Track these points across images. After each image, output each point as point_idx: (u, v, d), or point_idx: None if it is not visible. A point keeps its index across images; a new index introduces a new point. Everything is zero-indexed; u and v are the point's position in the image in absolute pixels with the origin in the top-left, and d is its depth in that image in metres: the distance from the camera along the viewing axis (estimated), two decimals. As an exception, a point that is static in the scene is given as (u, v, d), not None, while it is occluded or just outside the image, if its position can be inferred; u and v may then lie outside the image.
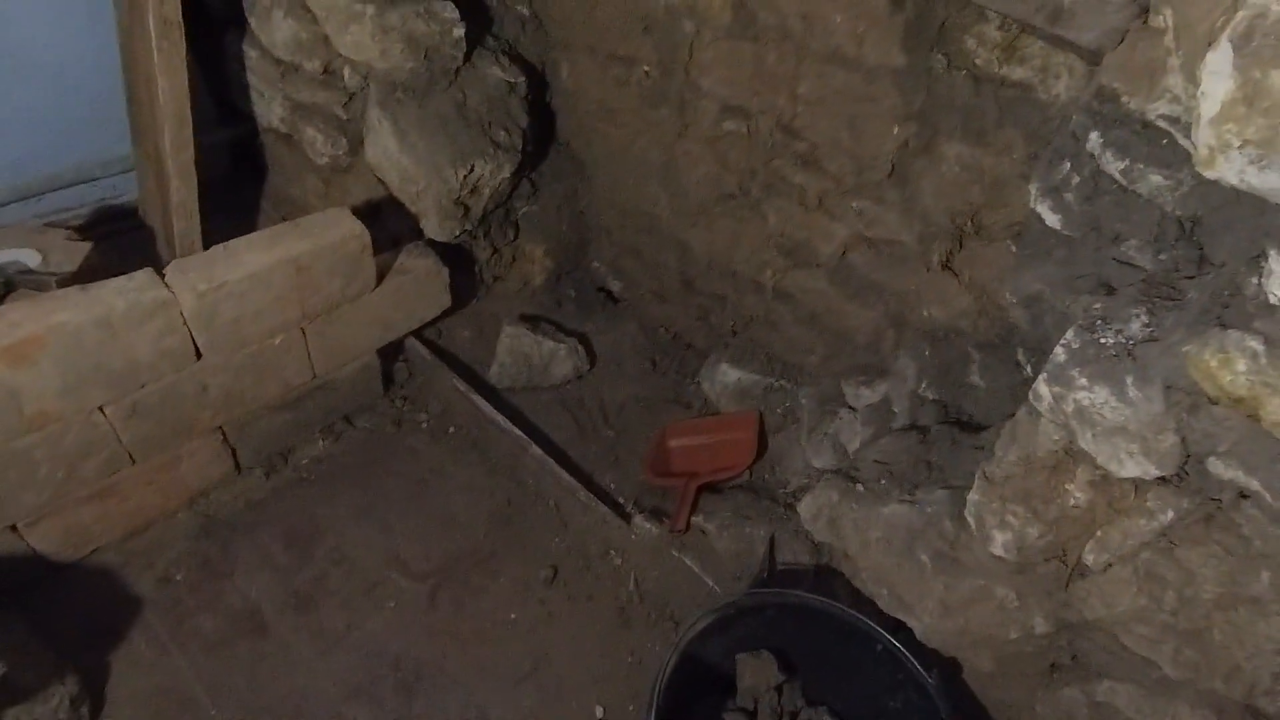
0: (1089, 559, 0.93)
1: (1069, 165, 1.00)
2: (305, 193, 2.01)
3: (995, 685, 1.18)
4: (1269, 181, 0.62)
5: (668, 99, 1.64)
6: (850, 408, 1.59)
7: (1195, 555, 0.84)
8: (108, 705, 1.24)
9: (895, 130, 1.33)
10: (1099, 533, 0.91)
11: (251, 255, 1.29)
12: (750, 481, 1.66)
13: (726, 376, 1.82)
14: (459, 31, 1.55)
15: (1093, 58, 0.98)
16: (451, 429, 1.76)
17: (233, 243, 1.31)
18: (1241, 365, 0.70)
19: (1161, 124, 0.81)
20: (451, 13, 1.53)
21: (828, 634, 1.20)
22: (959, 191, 1.31)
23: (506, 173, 1.72)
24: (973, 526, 1.04)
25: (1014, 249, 1.27)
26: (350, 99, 1.71)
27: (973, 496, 1.02)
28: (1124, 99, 0.87)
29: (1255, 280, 0.69)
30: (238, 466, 1.54)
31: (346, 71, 1.64)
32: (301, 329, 1.44)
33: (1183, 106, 0.77)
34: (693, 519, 1.51)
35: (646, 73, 1.63)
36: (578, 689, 1.36)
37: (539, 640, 1.42)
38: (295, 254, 1.33)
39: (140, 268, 1.22)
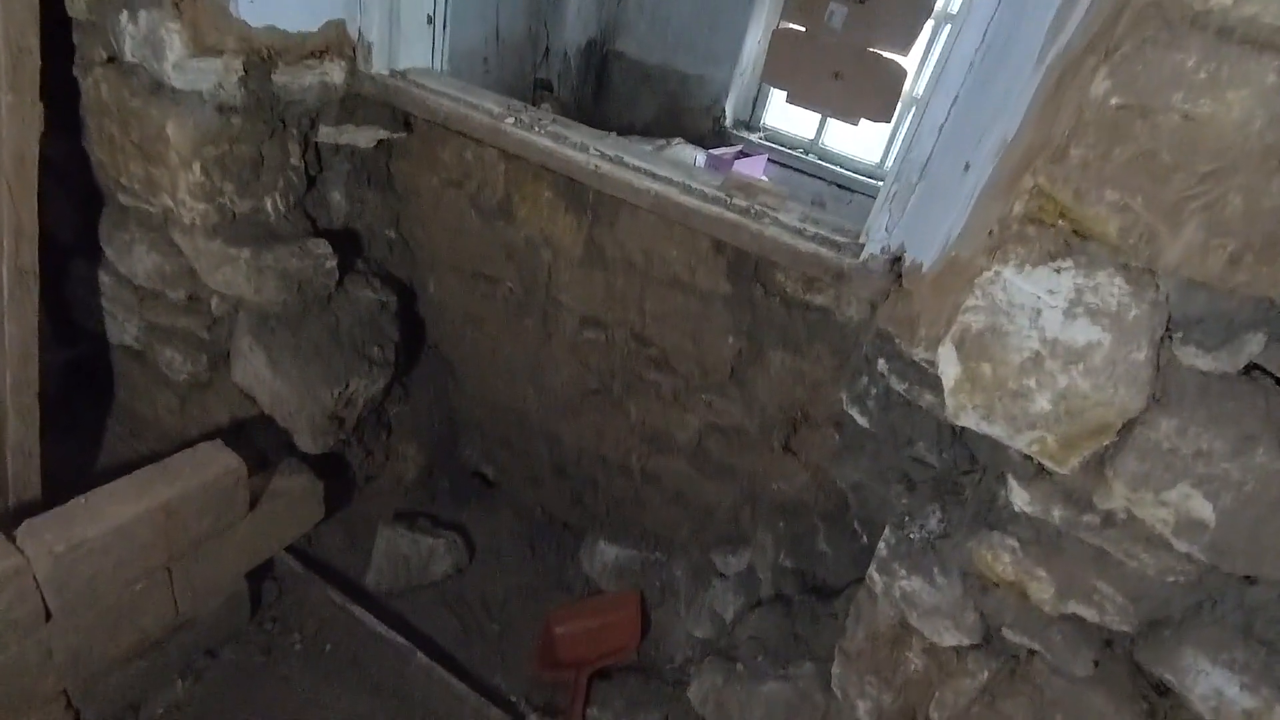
0: (934, 717, 1.09)
1: (866, 380, 1.26)
2: (157, 409, 1.95)
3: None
4: (994, 431, 0.87)
5: (531, 311, 1.82)
6: (721, 575, 1.74)
7: (1010, 705, 1.03)
8: None
9: (730, 340, 1.58)
10: (937, 694, 1.08)
11: (115, 507, 1.25)
12: (639, 661, 1.72)
13: (605, 554, 1.92)
14: (331, 263, 1.66)
15: (870, 304, 1.27)
16: (328, 646, 1.69)
17: (94, 494, 1.27)
18: (1006, 558, 0.92)
19: (924, 364, 1.07)
20: (324, 248, 1.65)
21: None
22: (786, 390, 1.56)
23: (380, 385, 1.80)
24: (839, 697, 1.18)
25: (837, 436, 1.52)
26: (215, 323, 1.74)
27: (835, 670, 1.17)
28: (896, 340, 1.14)
29: (1003, 492, 0.92)
30: (80, 734, 1.39)
31: (214, 301, 1.68)
32: (167, 569, 1.38)
33: (934, 357, 1.03)
34: (588, 711, 1.54)
35: (510, 290, 1.81)
36: None
37: None
38: (164, 500, 1.30)
39: None
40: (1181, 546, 0.80)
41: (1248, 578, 0.79)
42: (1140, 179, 0.69)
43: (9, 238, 1.42)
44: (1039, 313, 0.79)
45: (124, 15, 1.37)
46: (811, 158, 3.50)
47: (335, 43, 1.52)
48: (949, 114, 1.00)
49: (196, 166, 1.46)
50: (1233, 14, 0.61)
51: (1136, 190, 0.70)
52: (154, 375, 1.88)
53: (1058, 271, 0.77)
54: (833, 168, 3.42)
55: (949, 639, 1.02)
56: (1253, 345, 0.72)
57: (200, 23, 1.32)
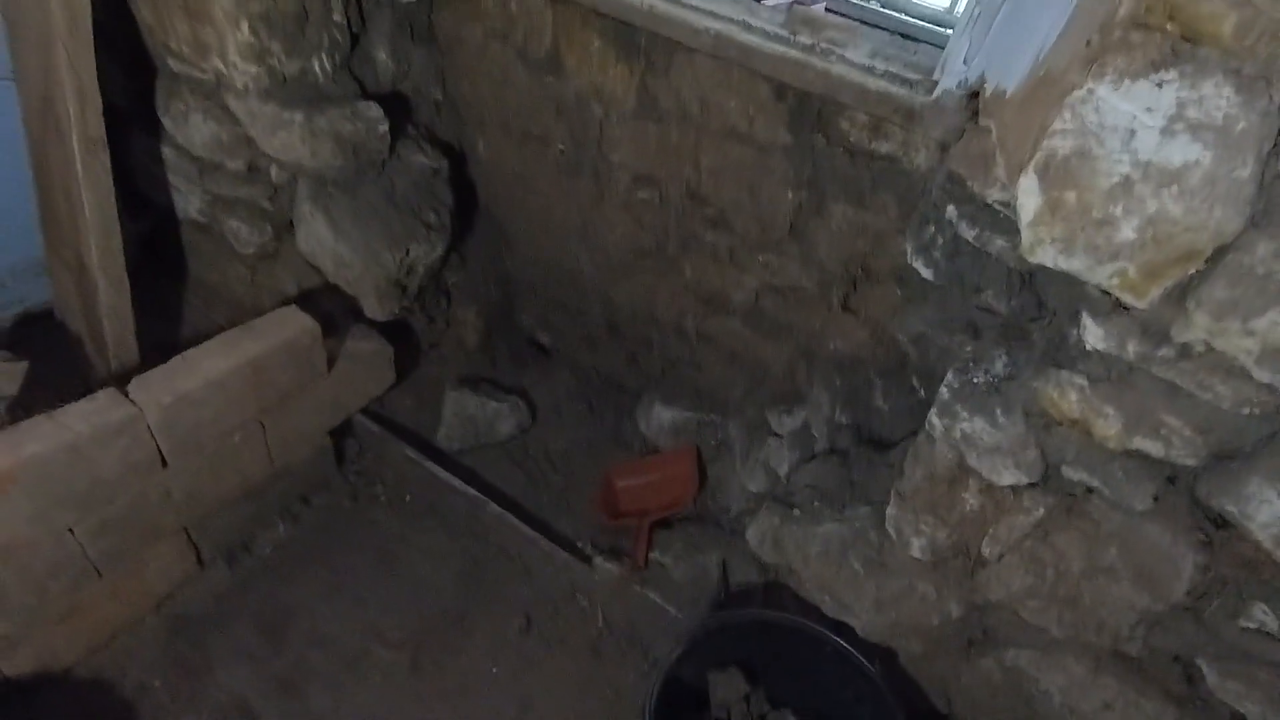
0: (986, 552, 1.14)
1: (934, 229, 1.22)
2: (228, 280, 2.03)
3: (926, 665, 1.38)
4: (1073, 265, 0.84)
5: (582, 171, 1.79)
6: (776, 434, 1.78)
7: (1063, 540, 1.06)
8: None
9: (790, 195, 1.54)
10: (991, 530, 1.12)
11: (210, 362, 1.34)
12: (696, 512, 1.82)
13: (661, 416, 1.99)
14: (384, 127, 1.65)
15: (941, 146, 1.20)
16: (408, 497, 1.83)
17: (190, 352, 1.35)
18: (1073, 396, 0.92)
19: (997, 206, 1.03)
20: (376, 111, 1.63)
21: (783, 642, 1.37)
22: (848, 244, 1.52)
23: (439, 251, 1.83)
24: (894, 535, 1.23)
25: (899, 291, 1.49)
26: (276, 192, 1.77)
27: (891, 510, 1.22)
28: (968, 183, 1.09)
29: (1075, 331, 0.91)
30: (200, 563, 1.56)
31: (273, 169, 1.70)
32: (260, 422, 1.49)
33: (1010, 195, 0.98)
34: (650, 554, 1.65)
35: (561, 150, 1.78)
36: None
37: (521, 688, 1.52)
38: (252, 356, 1.38)
39: (72, 376, 1.25)
40: (1264, 376, 0.78)
41: (1326, 407, 0.78)
42: (1270, -32, 0.62)
43: (74, 104, 1.44)
44: (1133, 133, 0.74)
45: None
46: (874, 4, 3.22)
47: (369, -121, 1.43)
48: (1046, -84, 0.89)
49: (244, 24, 1.43)
50: None
51: (1264, -19, 0.63)
52: (222, 247, 1.94)
53: (1159, 85, 0.71)
54: (898, 15, 3.14)
55: (1007, 478, 1.04)
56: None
57: None
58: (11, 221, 1.79)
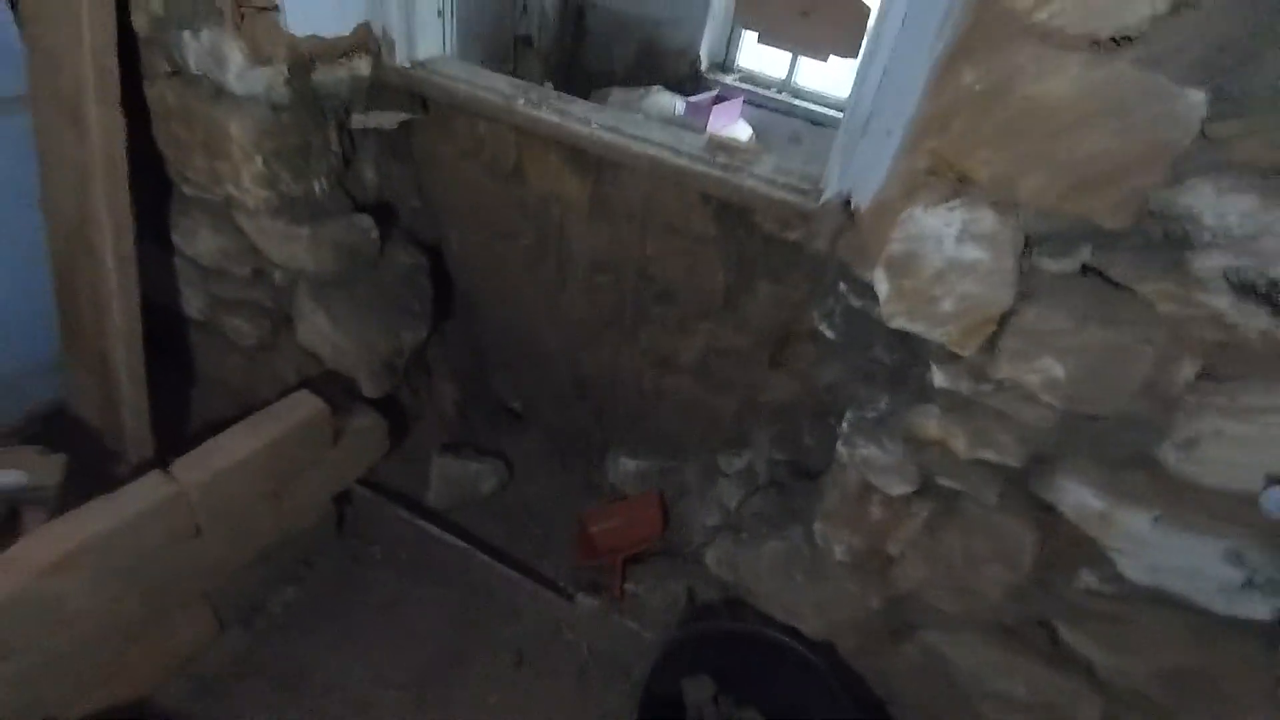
0: (892, 551, 1.44)
1: (832, 300, 1.56)
2: (225, 371, 2.25)
3: (864, 657, 1.65)
4: (917, 328, 1.17)
5: (546, 261, 2.10)
6: (725, 474, 2.08)
7: (946, 534, 1.37)
8: None
9: (721, 275, 1.87)
10: (893, 533, 1.42)
11: (238, 444, 1.57)
12: (664, 547, 2.08)
13: (626, 465, 2.26)
14: (375, 234, 1.94)
15: (831, 237, 1.56)
16: (403, 555, 2.04)
17: (220, 436, 1.58)
18: (933, 423, 1.24)
19: (872, 284, 1.37)
20: (368, 222, 1.92)
21: (745, 649, 1.63)
22: (772, 313, 1.86)
23: (422, 334, 2.10)
24: (822, 546, 1.52)
25: (815, 348, 1.83)
26: (277, 293, 2.02)
27: (817, 526, 1.51)
28: (851, 266, 1.44)
29: (929, 375, 1.24)
30: (220, 625, 1.74)
31: (277, 274, 1.96)
32: (276, 494, 1.71)
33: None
34: (625, 587, 1.90)
35: (526, 244, 2.09)
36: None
37: (518, 715, 1.73)
38: (273, 437, 1.62)
39: (95, 467, 1.45)
40: (1046, 399, 1.12)
41: (1092, 417, 1.12)
42: (1001, 142, 0.98)
43: (110, 229, 1.69)
44: (940, 240, 1.08)
45: (186, 34, 1.61)
46: (785, 96, 3.71)
47: (362, 41, 1.75)
48: (880, 84, 1.26)
49: (258, 159, 1.71)
50: (1049, 24, 0.89)
51: (998, 150, 0.98)
52: (222, 342, 2.17)
53: (951, 210, 1.06)
54: (806, 105, 3.63)
55: (898, 489, 1.35)
56: (1084, 253, 1.02)
57: (257, 38, 1.55)
58: (27, 330, 1.99)
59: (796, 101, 3.65)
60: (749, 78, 3.84)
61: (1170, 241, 0.99)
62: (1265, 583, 1.11)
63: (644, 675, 1.54)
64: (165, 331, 2.27)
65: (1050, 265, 1.04)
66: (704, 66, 3.82)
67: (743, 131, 3.49)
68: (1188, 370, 1.03)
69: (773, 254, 1.77)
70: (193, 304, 2.15)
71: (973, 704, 1.51)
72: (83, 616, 1.37)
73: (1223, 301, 0.98)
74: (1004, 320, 1.10)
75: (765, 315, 1.87)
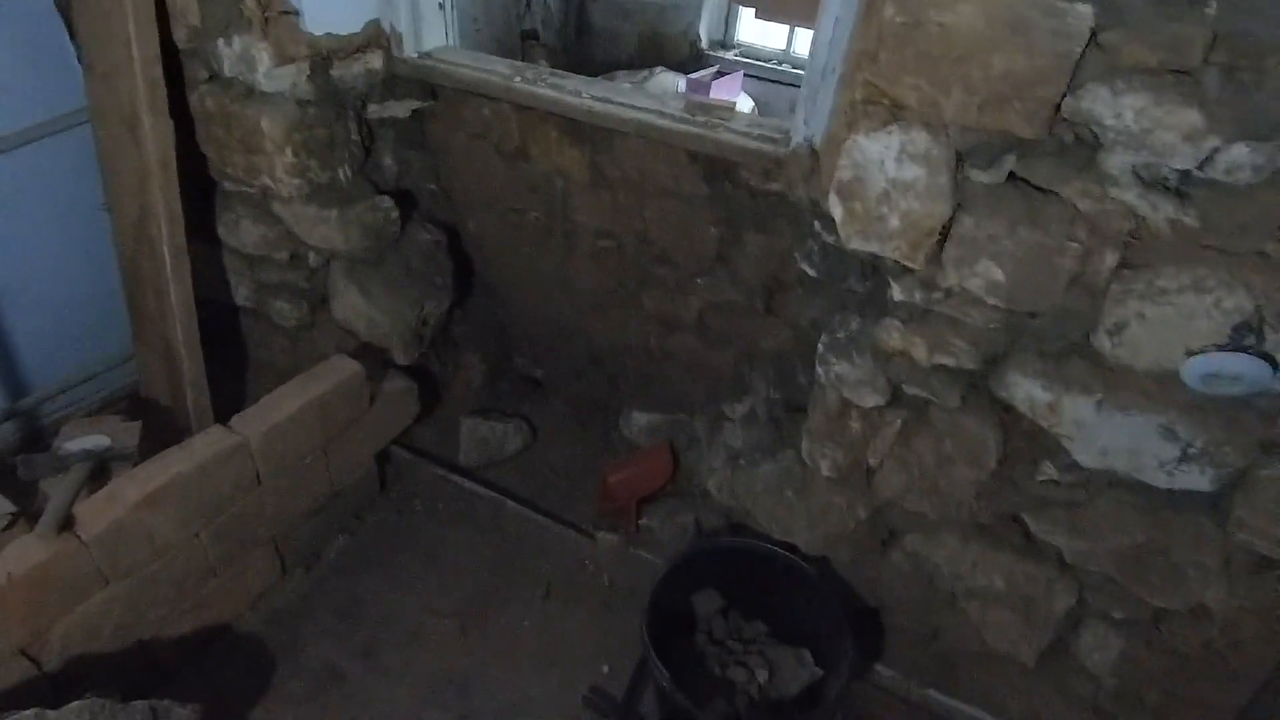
0: (872, 462, 1.58)
1: (810, 240, 1.70)
2: (272, 352, 2.47)
3: (855, 567, 1.79)
4: (871, 247, 1.31)
5: (554, 233, 2.27)
6: (730, 419, 2.22)
7: (918, 441, 1.50)
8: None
9: (713, 231, 2.01)
10: (871, 444, 1.55)
11: (288, 402, 1.77)
12: (674, 489, 2.24)
13: (639, 420, 2.42)
14: (395, 214, 2.13)
15: (805, 181, 1.69)
16: (441, 506, 2.23)
17: (272, 395, 1.79)
18: (895, 335, 1.38)
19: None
20: (388, 203, 2.11)
21: (747, 565, 1.78)
22: (762, 263, 2.00)
23: (445, 306, 2.29)
24: (810, 464, 1.67)
25: (801, 291, 1.96)
26: (312, 274, 2.23)
27: (804, 445, 1.66)
28: (820, 204, 1.57)
29: (889, 291, 1.37)
30: (284, 569, 1.95)
31: (311, 255, 2.16)
32: (324, 449, 1.91)
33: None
34: (640, 523, 2.07)
35: (535, 217, 2.26)
36: (586, 661, 1.85)
37: (549, 637, 1.91)
38: (317, 394, 1.82)
39: (161, 439, 1.69)
40: (991, 301, 1.24)
41: (1032, 314, 1.24)
42: (922, 67, 1.11)
43: (166, 224, 1.91)
44: (882, 163, 1.22)
45: (220, 41, 1.81)
46: (785, 67, 3.82)
47: (374, 37, 1.94)
48: (833, 32, 1.40)
49: (288, 150, 1.91)
50: (952, -40, 1.02)
51: (921, 75, 1.12)
52: (268, 325, 2.39)
53: (890, 134, 1.19)
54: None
55: (871, 401, 1.49)
56: (1009, 163, 1.15)
57: (281, 39, 1.75)
58: (102, 325, 2.24)
59: (797, 71, 3.76)
60: (749, 52, 3.96)
61: (1082, 144, 1.11)
62: (1198, 454, 1.22)
63: (652, 586, 1.70)
64: (219, 323, 2.50)
65: (980, 177, 1.17)
66: (705, 45, 3.95)
67: (745, 104, 3.61)
68: (1110, 262, 1.15)
69: (758, 205, 1.91)
70: (240, 291, 2.37)
71: (958, 603, 1.64)
72: (170, 549, 1.59)
73: (1132, 195, 1.10)
74: (945, 231, 1.23)
75: (756, 266, 2.01)
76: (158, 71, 1.80)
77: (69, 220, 2.08)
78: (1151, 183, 1.08)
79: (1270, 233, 1.04)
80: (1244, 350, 1.10)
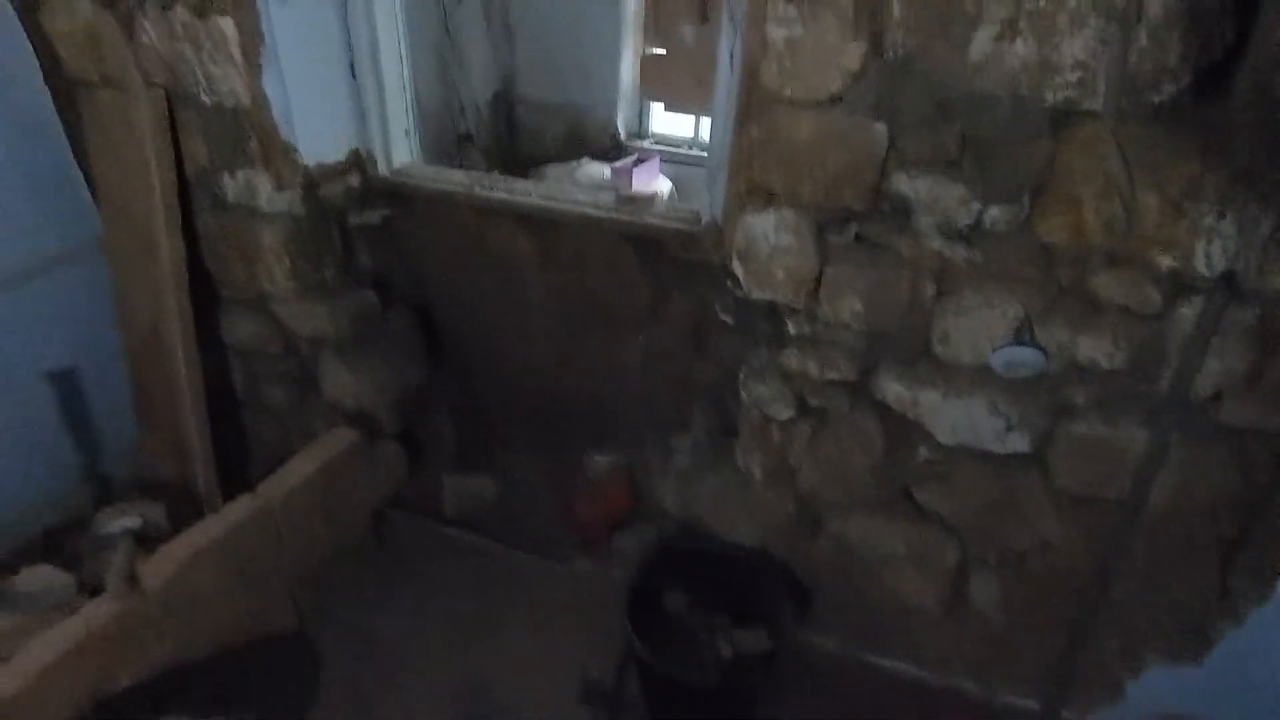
0: (793, 463, 1.98)
1: (725, 294, 2.14)
2: (264, 433, 2.75)
3: (790, 553, 2.17)
4: (766, 295, 1.75)
5: (512, 304, 2.66)
6: (677, 451, 2.61)
7: (824, 442, 1.92)
8: None
9: (647, 293, 2.44)
10: (791, 449, 1.96)
11: (302, 468, 2.07)
12: (636, 513, 2.59)
13: (599, 462, 2.78)
14: (377, 304, 2.49)
15: (717, 250, 2.14)
16: (433, 552, 2.52)
17: (288, 464, 2.08)
18: (794, 360, 1.81)
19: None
20: (371, 296, 2.47)
21: (706, 563, 2.14)
22: (689, 315, 2.42)
23: (422, 376, 2.63)
24: (744, 472, 2.06)
25: (725, 335, 2.40)
26: (303, 362, 2.55)
27: (738, 457, 2.06)
28: (729, 267, 2.02)
29: (786, 326, 1.81)
30: (299, 616, 2.20)
31: (304, 345, 2.48)
32: (331, 509, 2.20)
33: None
34: (610, 547, 2.40)
35: (495, 295, 2.65)
36: (576, 664, 2.16)
37: (542, 648, 2.20)
38: (323, 462, 2.12)
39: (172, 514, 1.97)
40: (856, 325, 1.69)
41: (884, 333, 1.69)
42: (783, 166, 1.58)
43: (180, 332, 2.22)
44: (766, 234, 1.67)
45: (225, 175, 2.18)
46: (695, 151, 4.39)
47: (354, 160, 2.34)
48: (721, 138, 1.87)
49: (286, 259, 2.26)
50: (792, 96, 1.50)
51: (783, 171, 1.59)
52: (261, 409, 2.68)
53: (767, 213, 1.65)
54: (711, 155, 4.30)
55: (784, 414, 1.91)
56: (853, 228, 1.62)
57: (280, 170, 2.13)
58: (107, 425, 2.49)
59: (705, 154, 4.33)
60: (662, 140, 4.53)
61: (898, 212, 1.59)
62: (1018, 423, 1.68)
63: (629, 579, 2.03)
64: (220, 414, 2.76)
65: (836, 238, 1.63)
66: (623, 136, 4.50)
67: (664, 185, 4.14)
68: (930, 290, 1.62)
69: (681, 270, 2.35)
70: (239, 383, 2.65)
71: (874, 571, 2.04)
72: (212, 602, 1.84)
73: (938, 243, 1.57)
74: (819, 279, 1.68)
75: (684, 318, 2.44)
76: (174, 199, 2.14)
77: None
78: (949, 234, 1.56)
79: (1026, 263, 1.52)
80: (1024, 344, 1.57)
